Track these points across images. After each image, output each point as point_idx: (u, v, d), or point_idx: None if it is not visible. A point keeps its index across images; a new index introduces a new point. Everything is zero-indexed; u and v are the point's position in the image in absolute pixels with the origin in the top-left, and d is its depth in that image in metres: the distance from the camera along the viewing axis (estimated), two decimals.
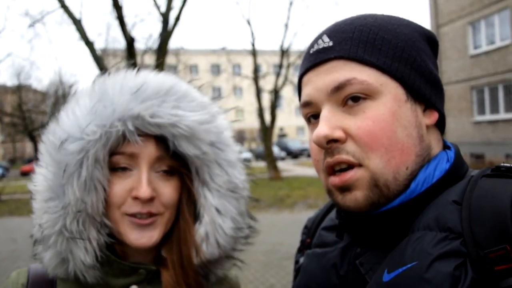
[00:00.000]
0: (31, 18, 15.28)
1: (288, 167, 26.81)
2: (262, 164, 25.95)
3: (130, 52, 11.90)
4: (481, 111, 17.99)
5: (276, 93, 20.79)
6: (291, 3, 20.53)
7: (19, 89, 38.84)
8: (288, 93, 41.01)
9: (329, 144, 0.77)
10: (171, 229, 0.97)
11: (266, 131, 20.51)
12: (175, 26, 12.69)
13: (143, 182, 0.88)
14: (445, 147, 0.86)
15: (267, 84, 23.84)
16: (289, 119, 53.91)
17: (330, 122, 0.76)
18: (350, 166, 0.76)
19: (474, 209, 0.67)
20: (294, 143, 40.70)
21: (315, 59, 0.81)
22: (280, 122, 34.25)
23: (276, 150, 31.19)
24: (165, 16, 12.56)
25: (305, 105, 0.83)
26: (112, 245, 0.92)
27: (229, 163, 0.97)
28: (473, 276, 0.63)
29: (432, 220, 0.71)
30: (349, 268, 0.84)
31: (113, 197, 0.89)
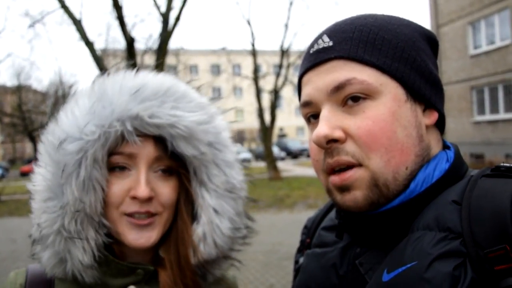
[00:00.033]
0: (31, 18, 15.31)
1: (288, 167, 26.82)
2: (262, 164, 25.96)
3: (130, 52, 11.91)
4: (481, 111, 17.99)
5: (276, 93, 20.80)
6: (291, 3, 20.55)
7: (19, 89, 38.87)
8: (288, 93, 41.01)
9: (329, 144, 0.77)
10: (169, 229, 0.97)
11: (266, 131, 20.51)
12: (175, 26, 12.69)
13: (141, 182, 0.88)
14: (445, 147, 0.85)
15: (267, 84, 23.84)
16: (289, 119, 53.92)
17: (330, 122, 0.76)
18: (350, 166, 0.76)
19: (474, 209, 0.67)
20: (294, 143, 40.69)
21: (315, 59, 0.81)
22: (280, 122, 34.27)
23: (276, 150, 31.20)
24: (165, 16, 12.56)
25: (305, 105, 0.83)
26: (110, 245, 0.92)
27: (227, 164, 0.97)
28: (473, 276, 0.63)
29: (431, 220, 0.71)
30: (348, 268, 0.84)
31: (111, 197, 0.89)
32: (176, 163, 0.94)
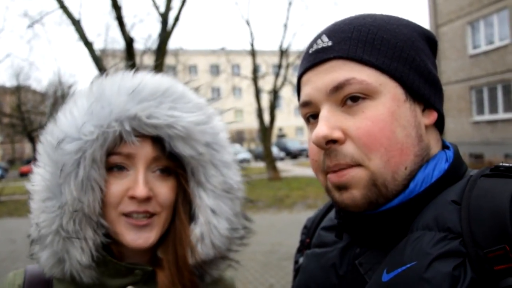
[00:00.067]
0: (30, 19, 15.32)
1: (287, 168, 26.82)
2: (261, 164, 25.96)
3: (129, 52, 11.91)
4: (480, 111, 18.01)
5: (275, 94, 20.80)
6: (290, 4, 20.55)
7: (18, 89, 38.84)
8: (287, 94, 40.98)
9: (328, 145, 0.76)
10: (167, 229, 0.97)
11: (265, 131, 20.51)
12: (174, 27, 12.71)
13: (139, 182, 0.88)
14: (444, 147, 0.85)
15: (266, 84, 23.85)
16: (288, 119, 53.93)
17: (329, 122, 0.76)
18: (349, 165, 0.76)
19: (473, 209, 0.67)
20: (293, 143, 40.69)
21: (314, 59, 0.81)
22: (279, 122, 34.28)
23: (275, 150, 31.20)
24: (164, 17, 12.56)
25: (304, 105, 0.83)
26: (109, 245, 0.92)
27: (225, 164, 0.98)
28: (473, 276, 0.63)
29: (431, 220, 0.71)
30: (348, 268, 0.83)
31: (110, 197, 0.89)
32: (174, 163, 0.94)
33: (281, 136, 49.24)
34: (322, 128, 0.75)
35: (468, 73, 18.11)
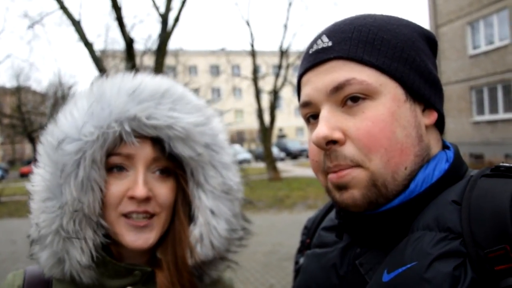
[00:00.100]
0: (30, 19, 15.29)
1: (287, 168, 26.82)
2: (261, 165, 25.95)
3: (129, 53, 11.91)
4: (480, 111, 18.01)
5: (275, 94, 20.81)
6: (290, 4, 20.56)
7: (19, 90, 38.87)
8: (288, 94, 40.98)
9: (328, 146, 0.76)
10: (166, 230, 0.97)
11: (265, 131, 20.51)
12: (174, 27, 12.69)
13: (139, 182, 0.89)
14: (445, 147, 0.85)
15: (267, 84, 23.86)
16: (289, 119, 53.91)
17: (329, 122, 0.76)
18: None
19: (474, 209, 0.67)
20: (294, 143, 40.69)
21: (314, 59, 0.81)
22: (279, 122, 34.28)
23: (275, 150, 31.19)
24: (164, 17, 12.56)
25: (305, 105, 0.83)
26: (108, 246, 0.92)
27: (224, 165, 0.98)
28: (473, 276, 0.63)
29: (431, 220, 0.71)
30: (348, 268, 0.83)
31: (109, 198, 0.89)
32: (174, 164, 0.95)
33: (282, 136, 49.27)
34: (322, 129, 0.75)
35: (468, 73, 18.11)
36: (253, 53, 20.61)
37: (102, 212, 0.90)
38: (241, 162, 1.05)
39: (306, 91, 0.82)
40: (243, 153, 34.08)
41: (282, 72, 20.77)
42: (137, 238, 0.90)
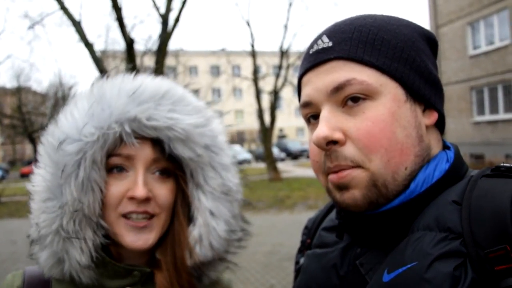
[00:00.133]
0: (30, 20, 15.31)
1: (288, 168, 26.82)
2: (262, 165, 25.96)
3: (130, 53, 11.90)
4: (481, 111, 18.00)
5: (275, 94, 20.81)
6: (290, 4, 20.57)
7: (19, 91, 38.92)
8: (288, 94, 41.00)
9: (329, 146, 0.77)
10: (166, 231, 0.97)
11: (265, 132, 20.52)
12: (174, 28, 12.69)
13: (139, 183, 0.89)
14: (445, 147, 0.85)
15: (267, 85, 23.87)
16: (289, 120, 53.92)
17: (329, 122, 0.76)
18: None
19: (474, 209, 0.67)
20: (294, 144, 40.70)
21: (314, 59, 0.81)
22: (279, 123, 34.26)
23: (276, 151, 31.19)
24: (164, 18, 12.56)
25: (305, 105, 0.83)
26: (108, 246, 0.93)
27: (223, 167, 0.99)
28: (473, 276, 0.63)
29: (432, 220, 0.71)
30: (349, 269, 0.83)
31: (109, 198, 0.90)
32: (173, 165, 0.95)
33: (282, 136, 49.29)
34: (323, 129, 0.76)
35: (469, 74, 18.10)
36: (253, 54, 20.62)
37: (102, 212, 0.90)
38: (241, 162, 1.05)
39: (307, 91, 0.82)
40: (243, 153, 34.09)
41: (283, 72, 20.77)
42: (136, 239, 0.90)
